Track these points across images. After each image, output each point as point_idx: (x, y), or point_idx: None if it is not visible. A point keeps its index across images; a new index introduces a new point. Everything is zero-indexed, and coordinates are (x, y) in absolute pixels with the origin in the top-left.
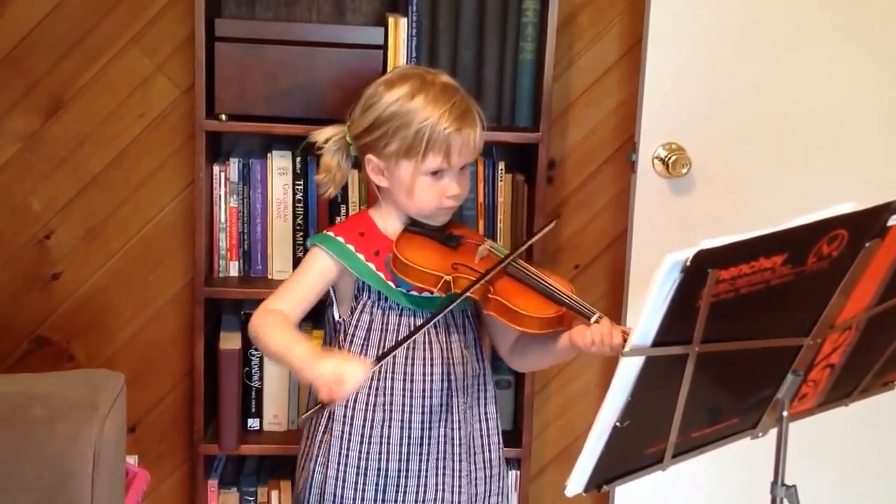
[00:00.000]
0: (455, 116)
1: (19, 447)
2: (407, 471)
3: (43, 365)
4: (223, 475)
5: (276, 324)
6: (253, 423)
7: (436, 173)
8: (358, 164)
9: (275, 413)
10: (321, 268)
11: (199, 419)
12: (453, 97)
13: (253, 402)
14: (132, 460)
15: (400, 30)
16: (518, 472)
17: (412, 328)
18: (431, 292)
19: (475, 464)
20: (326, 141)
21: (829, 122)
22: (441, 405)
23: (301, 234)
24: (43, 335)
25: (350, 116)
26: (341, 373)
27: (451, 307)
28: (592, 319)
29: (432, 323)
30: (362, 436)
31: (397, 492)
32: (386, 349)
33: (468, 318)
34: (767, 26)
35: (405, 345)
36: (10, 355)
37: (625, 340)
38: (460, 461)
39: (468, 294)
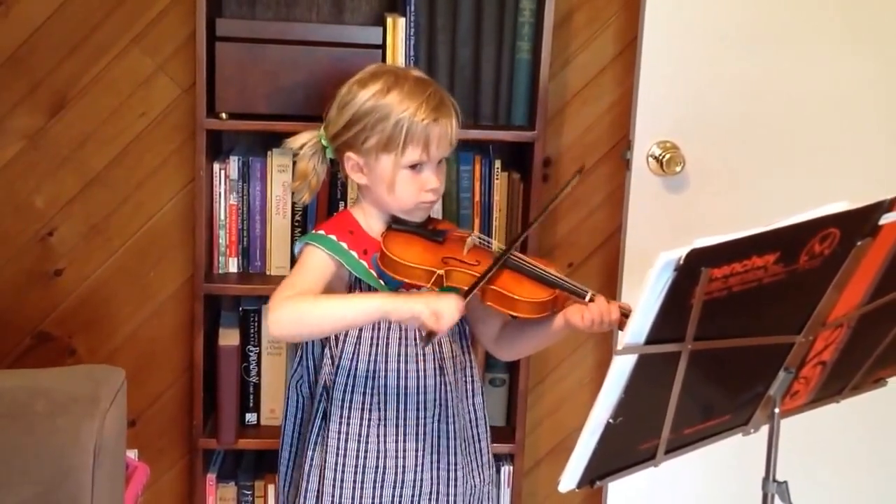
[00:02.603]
0: (431, 107)
1: (22, 441)
2: (404, 467)
3: (45, 360)
4: (221, 469)
5: (315, 299)
6: (251, 417)
7: (415, 167)
8: (336, 165)
9: (272, 408)
10: (321, 263)
11: (198, 414)
12: (427, 89)
13: (251, 397)
14: (132, 454)
15: (398, 29)
16: (511, 468)
17: (403, 326)
18: (419, 287)
19: (470, 455)
20: (301, 147)
21: (823, 122)
22: (435, 400)
23: (299, 231)
24: (45, 331)
25: (325, 117)
26: (439, 309)
27: (488, 273)
28: (587, 298)
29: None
30: (360, 435)
31: (394, 488)
32: (475, 281)
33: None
34: (762, 26)
35: (489, 271)
36: (12, 351)
37: (622, 315)
38: (455, 454)
39: (459, 286)
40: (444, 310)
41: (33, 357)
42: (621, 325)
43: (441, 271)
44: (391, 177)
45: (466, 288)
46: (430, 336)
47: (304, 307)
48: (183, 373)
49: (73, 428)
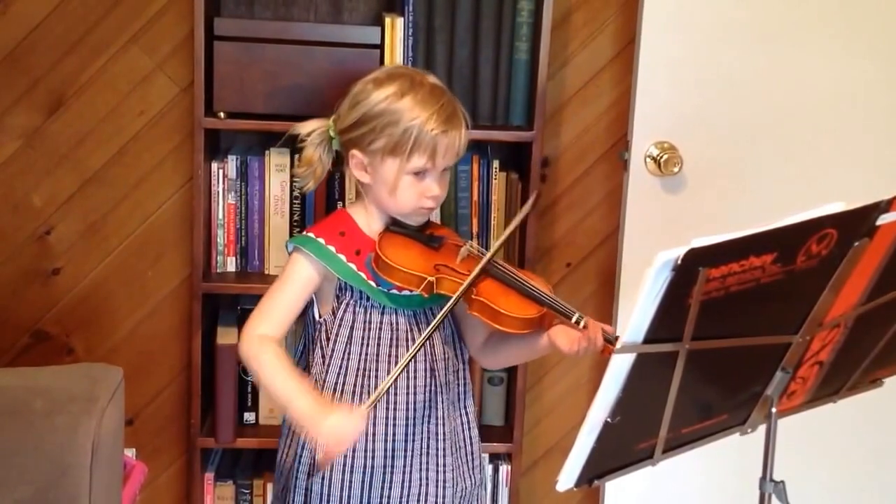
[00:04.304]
0: (443, 118)
1: (20, 440)
2: (392, 467)
3: (43, 359)
4: (219, 468)
5: (273, 363)
6: (249, 416)
7: (418, 173)
8: (341, 159)
9: (270, 407)
10: (304, 277)
11: (195, 413)
12: (441, 99)
13: (249, 396)
14: (130, 453)
15: (396, 29)
16: (509, 467)
17: (393, 325)
18: (410, 291)
19: (461, 458)
20: (309, 134)
21: (820, 122)
22: (425, 402)
23: (297, 230)
24: (43, 329)
25: (336, 111)
26: (342, 432)
27: (443, 317)
28: (574, 319)
29: (414, 319)
30: None
31: (382, 488)
32: (378, 390)
33: (446, 316)
34: (759, 26)
35: (394, 378)
36: (10, 349)
37: (606, 341)
38: (445, 456)
39: (448, 294)
40: (341, 438)
41: (31, 356)
42: (605, 352)
43: (432, 278)
44: (394, 181)
45: (376, 393)
46: (321, 464)
47: (255, 364)
48: (181, 372)
49: (71, 426)
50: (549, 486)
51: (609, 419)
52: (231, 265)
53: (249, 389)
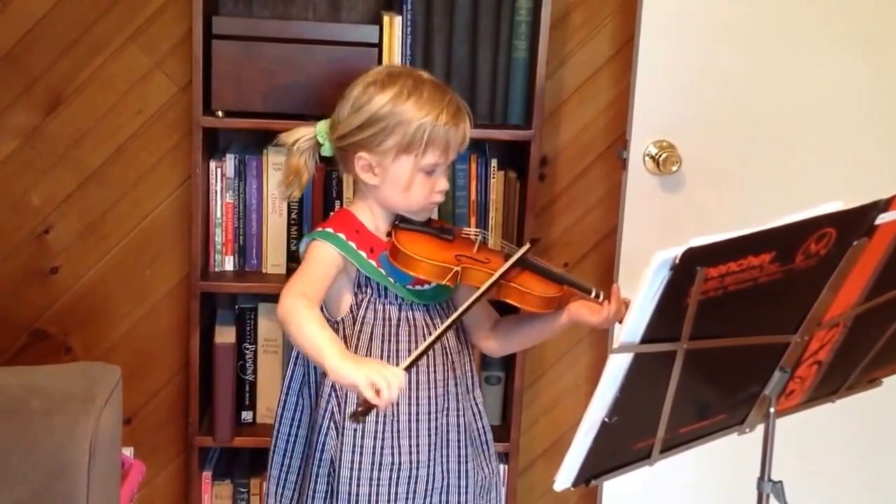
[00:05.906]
0: (452, 113)
1: (17, 439)
2: (417, 462)
3: (41, 358)
4: (217, 467)
5: (306, 314)
6: (247, 415)
7: (429, 171)
8: (331, 163)
9: (268, 406)
10: (330, 257)
11: (193, 412)
12: (446, 94)
13: (247, 395)
14: (128, 452)
15: (395, 28)
16: (507, 467)
17: (411, 321)
18: (429, 283)
19: (477, 447)
20: (295, 142)
21: (819, 121)
22: (445, 394)
23: (295, 228)
24: (41, 328)
25: (334, 117)
26: (381, 379)
27: (478, 300)
28: (593, 294)
29: (429, 313)
30: (375, 432)
31: (409, 483)
32: (416, 352)
33: (452, 307)
34: (758, 25)
35: (432, 344)
36: (8, 348)
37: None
38: (466, 447)
39: (473, 282)
40: (388, 384)
41: (29, 355)
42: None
43: (458, 268)
44: (409, 179)
45: (419, 351)
46: (366, 411)
47: (291, 317)
48: (179, 371)
49: (69, 426)
50: (546, 485)
51: (606, 419)
52: (229, 264)
53: (247, 388)
